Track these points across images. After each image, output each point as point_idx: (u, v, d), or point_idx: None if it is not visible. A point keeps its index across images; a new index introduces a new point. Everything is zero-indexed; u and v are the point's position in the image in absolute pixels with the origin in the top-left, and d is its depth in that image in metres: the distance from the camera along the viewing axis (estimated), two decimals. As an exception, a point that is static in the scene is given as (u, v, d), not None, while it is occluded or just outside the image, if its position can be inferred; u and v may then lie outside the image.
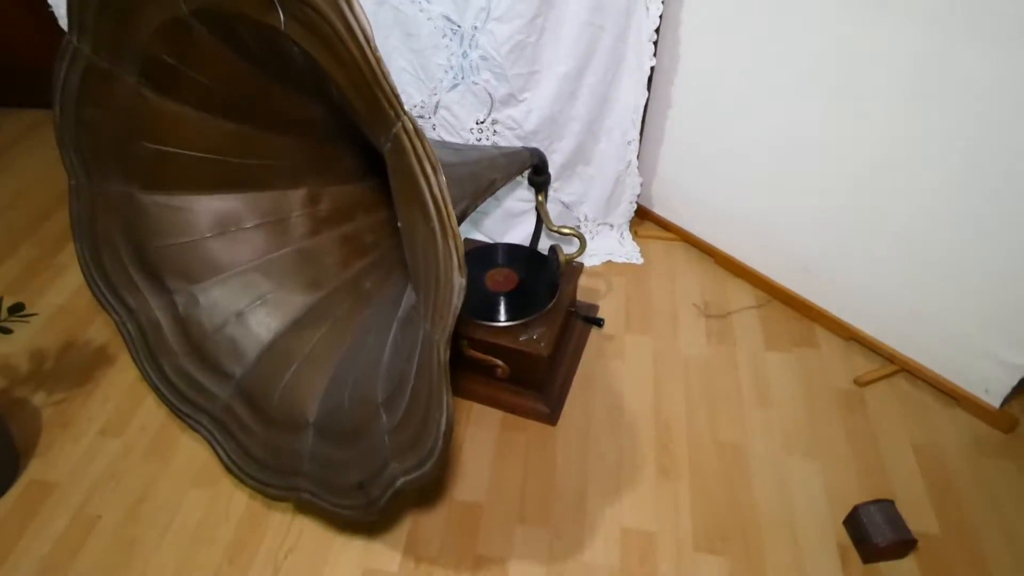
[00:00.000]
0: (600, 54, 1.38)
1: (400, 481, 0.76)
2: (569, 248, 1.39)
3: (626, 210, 1.67)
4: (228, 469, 0.99)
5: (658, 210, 1.74)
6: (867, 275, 1.36)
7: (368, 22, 0.57)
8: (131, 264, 0.98)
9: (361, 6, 0.57)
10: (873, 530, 1.10)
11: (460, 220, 0.87)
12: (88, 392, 1.39)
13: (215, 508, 1.18)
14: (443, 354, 0.64)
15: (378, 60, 0.58)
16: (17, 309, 1.17)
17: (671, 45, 1.42)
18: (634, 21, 1.34)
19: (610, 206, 1.66)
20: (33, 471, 1.25)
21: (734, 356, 1.45)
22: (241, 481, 0.99)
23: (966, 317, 1.25)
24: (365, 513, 0.83)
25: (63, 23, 1.48)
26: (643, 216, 1.77)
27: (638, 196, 1.64)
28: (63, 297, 1.59)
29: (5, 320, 1.16)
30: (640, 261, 1.67)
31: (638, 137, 1.51)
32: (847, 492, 1.20)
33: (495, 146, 1.41)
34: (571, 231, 1.35)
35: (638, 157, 1.55)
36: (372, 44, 0.58)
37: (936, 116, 1.11)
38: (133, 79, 0.86)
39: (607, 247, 1.69)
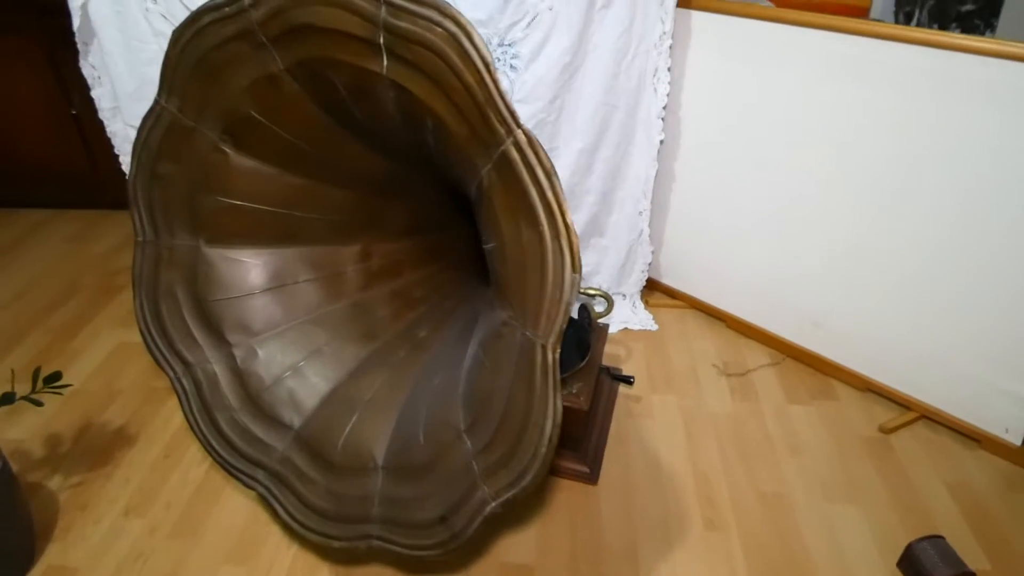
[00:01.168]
0: (613, 130, 1.51)
1: (491, 505, 0.75)
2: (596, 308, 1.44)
3: (638, 279, 1.74)
4: (287, 525, 0.95)
5: (666, 280, 1.82)
6: (876, 325, 1.44)
7: (487, 49, 0.65)
8: (190, 317, 0.99)
9: (480, 36, 0.65)
10: (930, 566, 1.10)
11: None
12: (108, 474, 1.33)
13: (251, 585, 1.12)
14: (551, 354, 0.66)
15: (496, 82, 0.65)
16: (54, 379, 1.14)
17: (673, 123, 1.55)
18: (644, 100, 1.48)
19: (623, 276, 1.73)
20: (51, 556, 1.17)
21: (759, 411, 1.48)
22: (302, 536, 0.95)
23: (977, 358, 1.32)
24: (446, 550, 0.81)
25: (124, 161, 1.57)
26: (652, 287, 1.84)
27: (648, 265, 1.72)
28: (77, 381, 1.55)
29: (40, 391, 1.13)
30: (655, 328, 1.72)
31: (649, 207, 1.61)
32: (894, 534, 1.20)
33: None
34: (597, 291, 1.41)
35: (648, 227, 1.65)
36: (492, 67, 0.65)
37: (930, 168, 1.24)
38: (215, 135, 0.91)
39: (622, 316, 1.74)
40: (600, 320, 1.44)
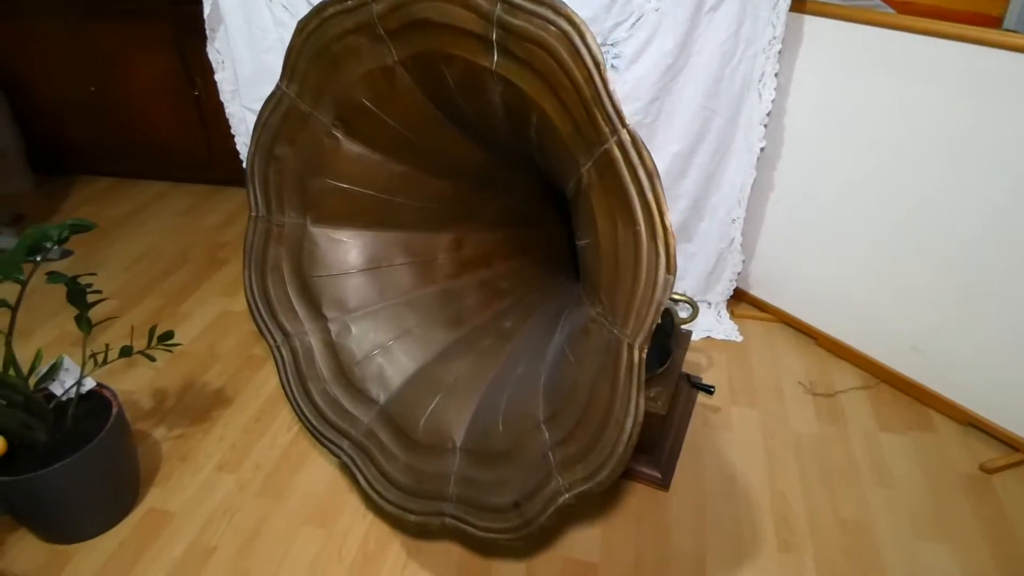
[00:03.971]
0: (711, 136, 1.48)
1: (564, 497, 0.76)
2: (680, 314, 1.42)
3: (725, 288, 1.70)
4: (366, 494, 1.00)
5: (755, 291, 1.77)
6: (984, 356, 1.34)
7: (599, 48, 0.66)
8: (293, 291, 1.05)
9: (592, 35, 0.66)
10: (1027, 618, 1.02)
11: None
12: (206, 430, 1.43)
13: (328, 548, 1.18)
14: (638, 353, 0.67)
15: (605, 82, 0.66)
16: (167, 337, 1.24)
17: (775, 131, 1.51)
18: (746, 106, 1.44)
19: (710, 283, 1.70)
20: (152, 500, 1.28)
21: (847, 435, 1.42)
22: (381, 507, 0.99)
23: (1101, 400, 1.21)
24: (516, 535, 0.82)
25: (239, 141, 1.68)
26: (739, 297, 1.79)
27: (737, 275, 1.67)
28: (184, 343, 1.67)
29: (154, 347, 1.23)
30: (739, 339, 1.68)
31: (743, 216, 1.57)
32: (988, 580, 1.13)
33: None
34: (682, 296, 1.39)
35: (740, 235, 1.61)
36: (602, 67, 0.66)
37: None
38: (328, 120, 0.96)
39: (705, 324, 1.71)
40: (683, 326, 1.42)
